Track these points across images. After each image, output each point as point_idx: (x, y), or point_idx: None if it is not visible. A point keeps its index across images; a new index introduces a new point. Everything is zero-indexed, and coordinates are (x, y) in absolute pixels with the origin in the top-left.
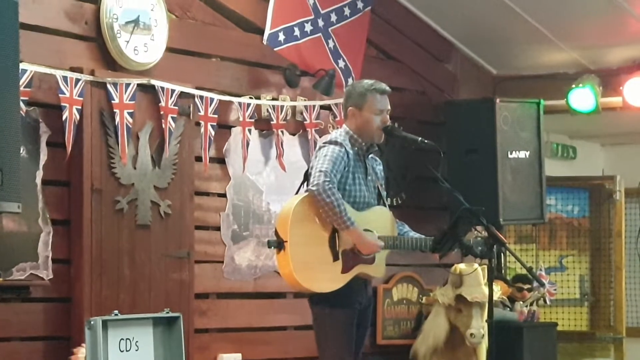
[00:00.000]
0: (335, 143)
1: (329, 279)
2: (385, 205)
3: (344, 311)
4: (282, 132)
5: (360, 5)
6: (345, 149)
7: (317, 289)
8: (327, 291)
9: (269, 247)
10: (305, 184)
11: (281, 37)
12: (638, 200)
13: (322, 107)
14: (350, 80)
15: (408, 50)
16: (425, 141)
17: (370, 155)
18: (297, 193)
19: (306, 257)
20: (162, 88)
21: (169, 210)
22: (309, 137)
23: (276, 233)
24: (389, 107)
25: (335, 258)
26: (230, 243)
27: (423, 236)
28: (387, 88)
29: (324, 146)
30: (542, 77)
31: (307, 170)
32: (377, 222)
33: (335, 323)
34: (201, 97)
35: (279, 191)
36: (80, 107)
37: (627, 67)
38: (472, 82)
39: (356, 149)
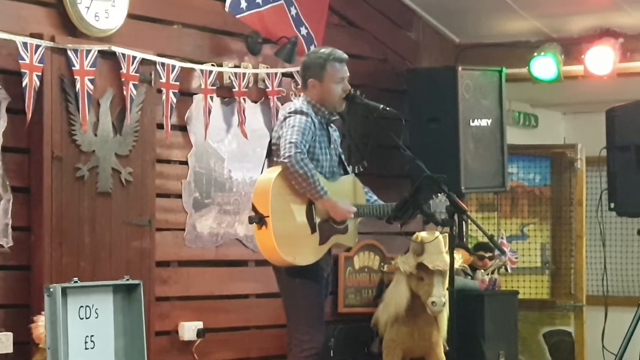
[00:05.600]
0: (302, 113)
1: (309, 251)
2: (347, 172)
3: (315, 282)
4: (244, 99)
5: None
6: (312, 118)
7: (299, 263)
8: (307, 264)
9: (250, 223)
10: (269, 154)
11: (243, 4)
12: (599, 169)
13: (284, 74)
14: (312, 48)
15: (370, 18)
16: (387, 109)
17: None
18: (263, 165)
19: (287, 231)
20: (123, 55)
21: (130, 177)
22: (271, 104)
23: (254, 208)
24: (348, 74)
25: (313, 230)
26: (192, 211)
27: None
28: (345, 55)
29: (290, 116)
30: (504, 45)
31: (270, 140)
32: (347, 191)
33: (307, 294)
34: (163, 64)
35: (241, 159)
36: (40, 74)
37: (589, 35)
38: (434, 50)
39: (319, 117)
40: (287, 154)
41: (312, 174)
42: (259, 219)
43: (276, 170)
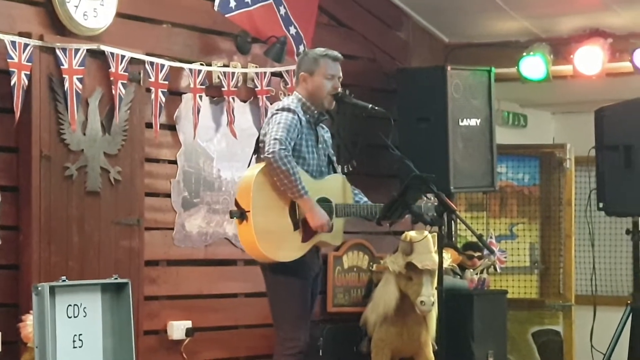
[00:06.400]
0: (288, 110)
1: (290, 248)
2: (336, 173)
3: (300, 280)
4: (233, 99)
5: None
6: (298, 115)
7: (280, 259)
8: (288, 260)
9: (231, 217)
10: (257, 152)
11: (232, 3)
12: (588, 169)
13: (273, 74)
14: (301, 48)
15: (360, 18)
16: (376, 108)
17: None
18: (250, 162)
19: (268, 227)
20: (112, 54)
21: (119, 176)
22: (260, 104)
23: (237, 203)
24: (341, 75)
25: (296, 227)
26: (181, 210)
27: (379, 204)
28: (340, 55)
29: (277, 113)
30: (493, 45)
31: (258, 137)
32: (333, 189)
33: (290, 291)
34: (152, 63)
35: (230, 158)
36: (28, 73)
37: (578, 35)
38: (423, 49)
39: (308, 116)
40: (270, 150)
41: (294, 172)
42: (240, 214)
43: (259, 166)
